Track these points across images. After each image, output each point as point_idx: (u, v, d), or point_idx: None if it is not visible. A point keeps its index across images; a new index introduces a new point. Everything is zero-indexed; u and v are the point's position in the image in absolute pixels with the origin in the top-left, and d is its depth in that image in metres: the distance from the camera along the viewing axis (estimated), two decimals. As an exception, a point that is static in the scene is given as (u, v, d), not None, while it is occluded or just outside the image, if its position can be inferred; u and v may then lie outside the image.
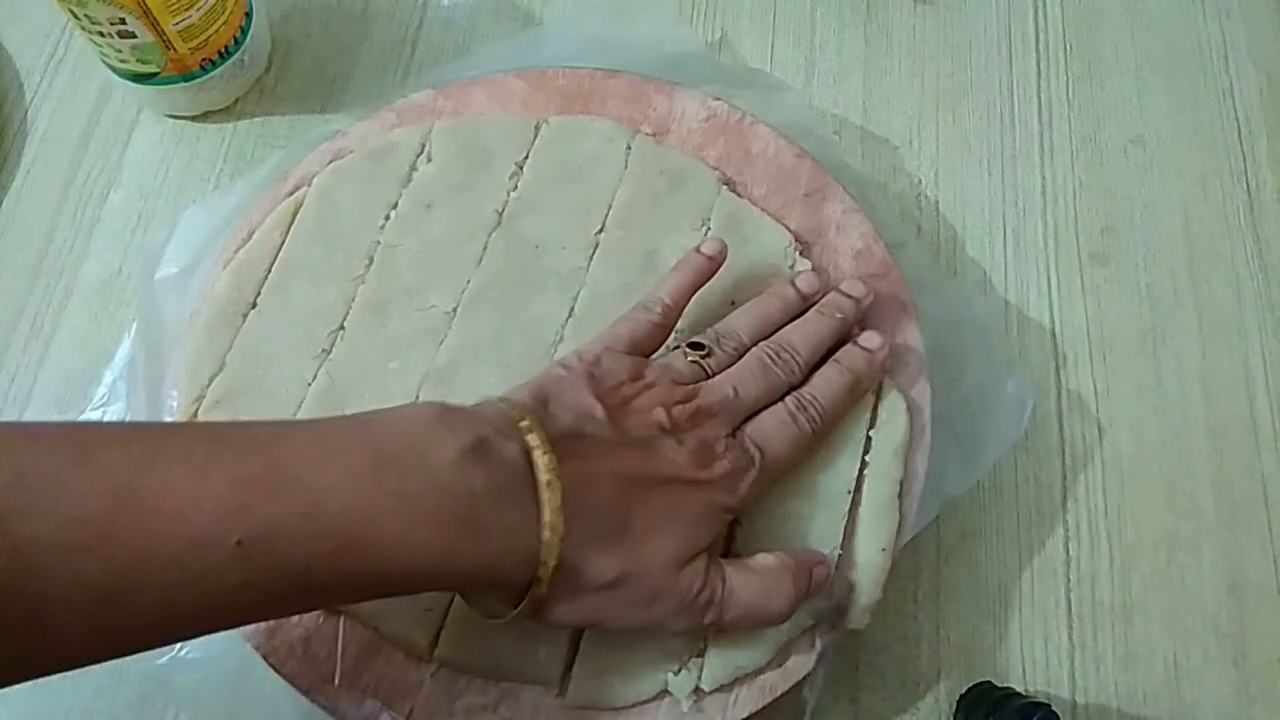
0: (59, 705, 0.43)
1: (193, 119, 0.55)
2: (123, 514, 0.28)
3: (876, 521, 0.42)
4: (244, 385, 0.44)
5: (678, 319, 0.42)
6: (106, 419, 0.47)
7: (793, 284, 0.44)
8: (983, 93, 0.56)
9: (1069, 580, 0.46)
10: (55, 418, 0.48)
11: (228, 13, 0.50)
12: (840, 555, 0.42)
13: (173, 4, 0.47)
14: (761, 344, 0.41)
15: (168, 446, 0.30)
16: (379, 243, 0.47)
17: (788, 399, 0.40)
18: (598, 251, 0.47)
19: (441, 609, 0.41)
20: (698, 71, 0.52)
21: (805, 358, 0.41)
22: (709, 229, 0.47)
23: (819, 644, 0.41)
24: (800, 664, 0.41)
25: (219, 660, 0.42)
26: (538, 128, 0.49)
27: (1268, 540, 0.47)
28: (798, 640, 0.41)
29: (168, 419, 0.45)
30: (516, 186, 0.48)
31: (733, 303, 0.44)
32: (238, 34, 0.52)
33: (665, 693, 0.40)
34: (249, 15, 0.52)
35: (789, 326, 0.42)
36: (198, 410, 0.44)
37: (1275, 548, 0.46)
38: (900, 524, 0.42)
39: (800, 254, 0.47)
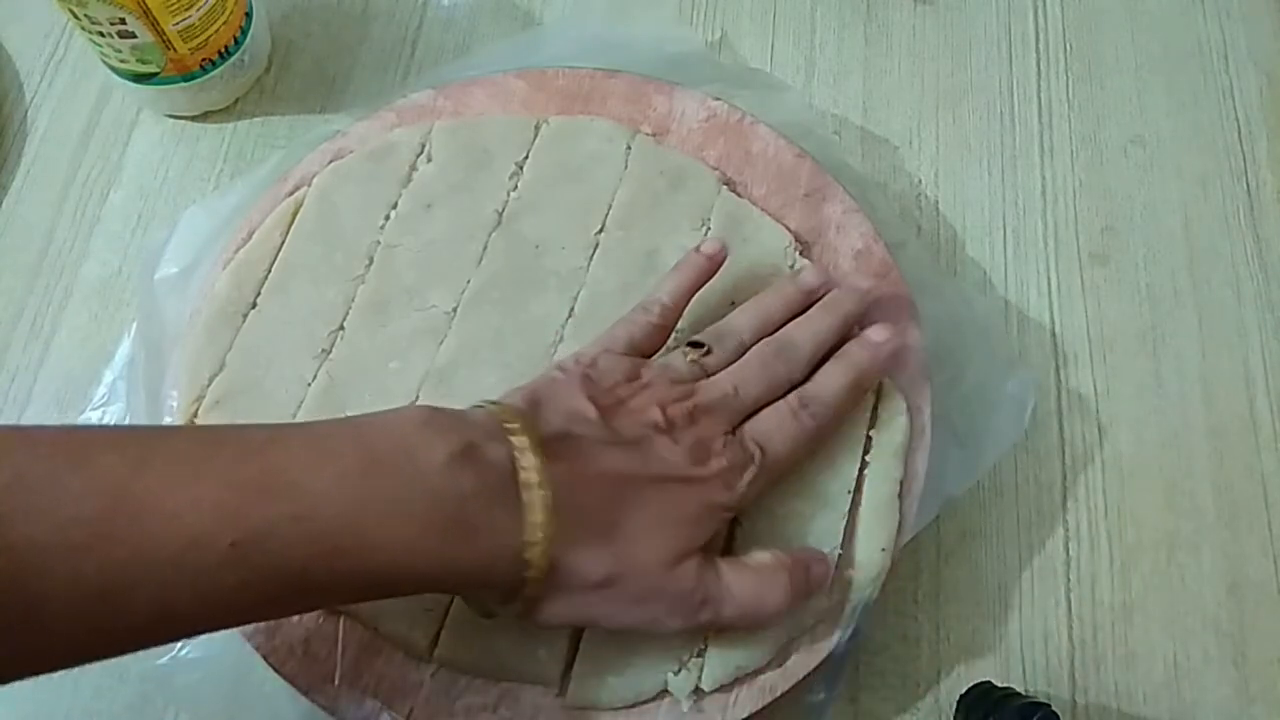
0: (59, 705, 0.43)
1: (193, 119, 0.55)
2: (120, 515, 0.28)
3: (876, 521, 0.42)
4: (244, 385, 0.44)
5: (677, 319, 0.42)
6: (106, 419, 0.47)
7: (795, 280, 0.44)
8: (983, 93, 0.56)
9: (1069, 580, 0.46)
10: (55, 418, 0.48)
11: (228, 13, 0.50)
12: (840, 555, 0.42)
13: (173, 4, 0.47)
14: (762, 341, 0.41)
15: (164, 449, 0.30)
16: (379, 243, 0.47)
17: (789, 396, 0.40)
18: (598, 251, 0.47)
19: (441, 609, 0.41)
20: (698, 71, 0.52)
21: (807, 354, 0.41)
22: (709, 229, 0.47)
23: (837, 635, 0.41)
24: (800, 664, 0.41)
25: (219, 660, 0.42)
26: (538, 128, 0.49)
27: (1268, 540, 0.47)
28: (798, 640, 0.41)
29: (168, 419, 0.45)
30: (516, 186, 0.48)
31: (733, 303, 0.44)
32: (238, 34, 0.52)
33: (665, 693, 0.40)
34: (249, 15, 0.52)
35: (791, 324, 0.42)
36: (198, 410, 0.44)
37: (1275, 548, 0.46)
38: (900, 524, 0.42)
39: (800, 254, 0.47)
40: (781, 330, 0.42)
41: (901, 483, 0.43)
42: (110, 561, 0.28)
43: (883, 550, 0.42)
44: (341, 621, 0.42)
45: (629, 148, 0.49)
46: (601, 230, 0.47)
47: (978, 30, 0.58)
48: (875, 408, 0.44)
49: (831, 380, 0.41)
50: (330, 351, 0.45)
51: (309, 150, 0.50)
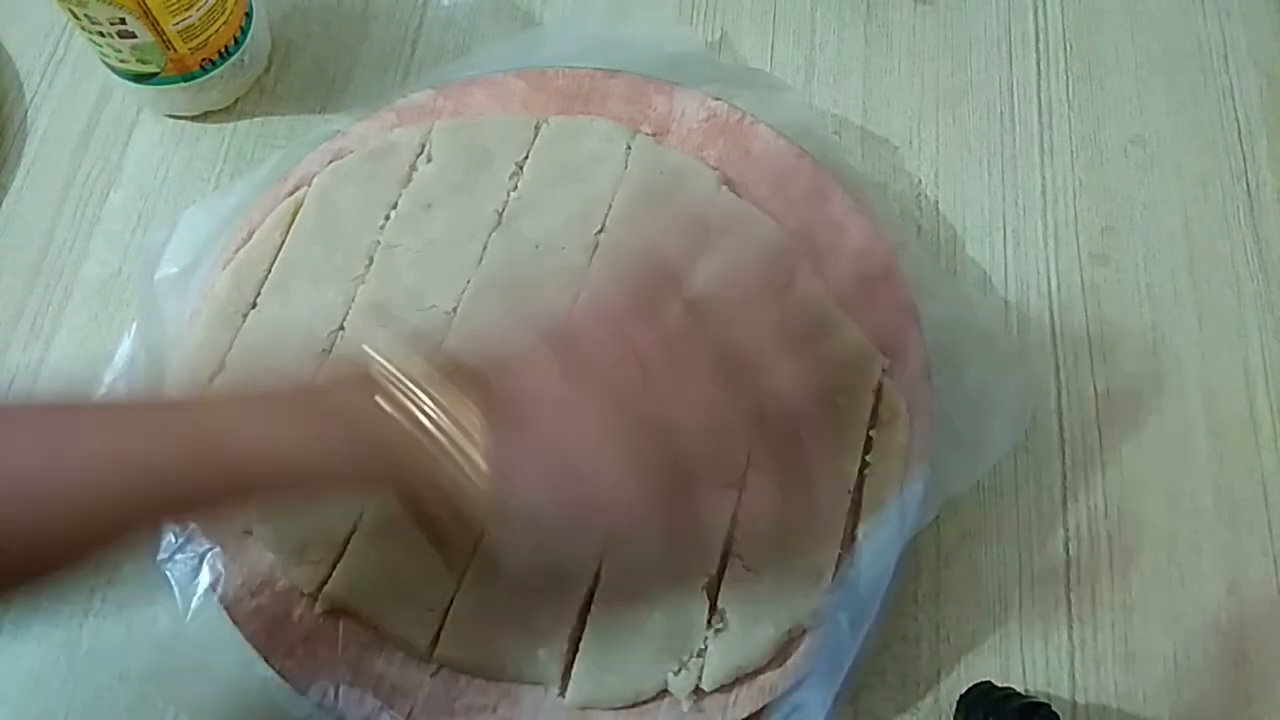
0: (59, 705, 0.43)
1: (193, 119, 0.55)
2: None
3: (876, 521, 0.42)
4: (244, 385, 0.44)
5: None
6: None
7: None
8: (983, 93, 0.56)
9: (1069, 580, 0.46)
10: (55, 418, 0.48)
11: (228, 13, 0.50)
12: (840, 555, 0.42)
13: (173, 4, 0.47)
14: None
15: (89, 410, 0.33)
16: (379, 243, 0.47)
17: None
18: (598, 251, 0.47)
19: (441, 609, 0.41)
20: (698, 71, 0.52)
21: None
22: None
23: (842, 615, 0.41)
24: (800, 664, 0.41)
25: (219, 660, 0.42)
26: (538, 128, 0.49)
27: (1268, 540, 0.47)
28: (798, 640, 0.41)
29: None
30: (516, 186, 0.48)
31: None
32: (238, 34, 0.52)
33: (665, 693, 0.40)
34: (249, 15, 0.52)
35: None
36: (198, 410, 0.44)
37: (1275, 548, 0.46)
38: (900, 524, 0.42)
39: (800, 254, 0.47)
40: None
41: (901, 483, 0.43)
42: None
43: (883, 550, 0.42)
44: (341, 621, 0.42)
45: (629, 148, 0.49)
46: (601, 230, 0.47)
47: (978, 30, 0.57)
48: (875, 408, 0.44)
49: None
50: (330, 351, 0.45)
51: (309, 150, 0.50)
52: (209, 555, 0.43)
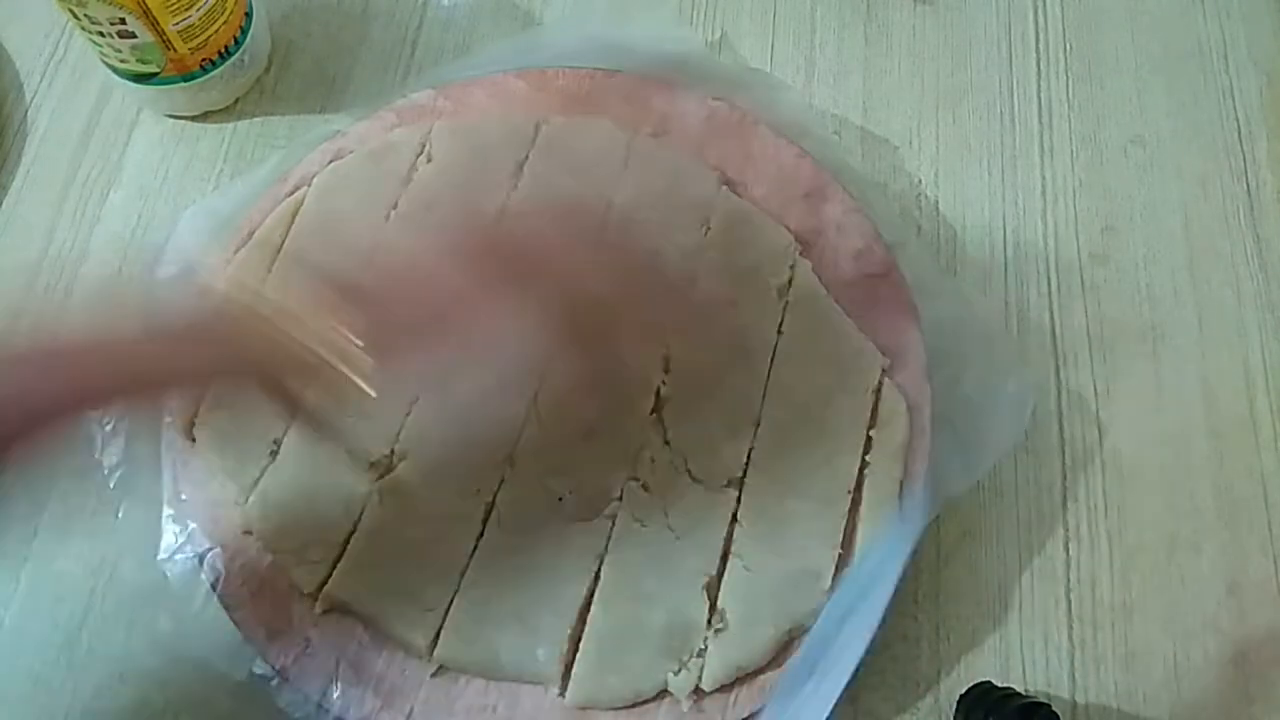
0: (59, 705, 0.43)
1: (193, 119, 0.55)
2: None
3: (876, 522, 0.42)
4: (244, 385, 0.44)
5: None
6: (107, 419, 0.47)
7: None
8: (983, 93, 0.56)
9: (1069, 580, 0.46)
10: (55, 418, 0.48)
11: (228, 13, 0.50)
12: (840, 555, 0.42)
13: (173, 4, 0.47)
14: None
15: None
16: (379, 243, 0.47)
17: None
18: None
19: (441, 609, 0.41)
20: (698, 71, 0.52)
21: None
22: (709, 229, 0.47)
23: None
24: (800, 664, 0.41)
25: (219, 660, 0.42)
26: (538, 128, 0.49)
27: (1268, 540, 0.47)
28: (798, 640, 0.41)
29: (168, 419, 0.45)
30: (516, 186, 0.48)
31: None
32: (238, 34, 0.52)
33: (665, 693, 0.40)
34: (249, 15, 0.52)
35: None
36: (198, 411, 0.44)
37: (1275, 548, 0.46)
38: (900, 524, 0.42)
39: (800, 254, 0.47)
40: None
41: (901, 483, 0.43)
42: None
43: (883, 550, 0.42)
44: (341, 622, 0.42)
45: (629, 148, 0.48)
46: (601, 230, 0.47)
47: (978, 30, 0.57)
48: (875, 408, 0.44)
49: None
50: (330, 351, 0.45)
51: (309, 150, 0.50)
52: (209, 555, 0.43)
